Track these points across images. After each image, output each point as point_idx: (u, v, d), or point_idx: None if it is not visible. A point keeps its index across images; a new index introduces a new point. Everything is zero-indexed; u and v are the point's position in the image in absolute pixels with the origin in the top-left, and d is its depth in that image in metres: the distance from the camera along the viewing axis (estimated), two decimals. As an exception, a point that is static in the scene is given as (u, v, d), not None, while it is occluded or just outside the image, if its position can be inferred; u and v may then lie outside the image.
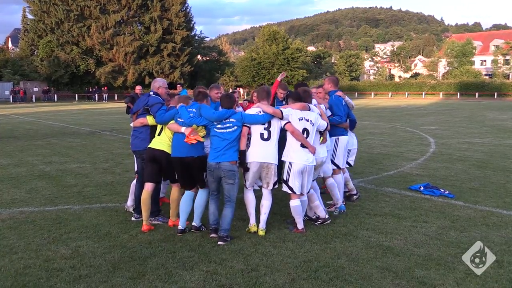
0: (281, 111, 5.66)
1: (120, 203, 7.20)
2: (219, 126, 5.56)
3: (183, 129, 5.64)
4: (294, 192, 5.72)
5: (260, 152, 5.66)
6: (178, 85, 15.70)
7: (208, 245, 5.32)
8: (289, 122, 5.68)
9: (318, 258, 4.91)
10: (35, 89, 59.43)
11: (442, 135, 16.43)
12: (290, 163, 5.71)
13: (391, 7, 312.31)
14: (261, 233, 5.68)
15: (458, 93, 63.94)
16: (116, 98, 62.65)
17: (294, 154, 5.70)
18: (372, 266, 4.68)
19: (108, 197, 7.63)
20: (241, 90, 64.46)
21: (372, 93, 71.99)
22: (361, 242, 5.38)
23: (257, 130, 5.69)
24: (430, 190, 7.70)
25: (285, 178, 5.75)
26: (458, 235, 5.63)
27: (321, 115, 6.01)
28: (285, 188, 5.78)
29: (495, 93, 61.59)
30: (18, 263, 4.82)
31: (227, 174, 5.51)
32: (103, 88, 64.12)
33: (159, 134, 6.04)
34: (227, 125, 5.56)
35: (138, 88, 14.00)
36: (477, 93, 62.50)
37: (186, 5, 70.37)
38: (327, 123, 6.07)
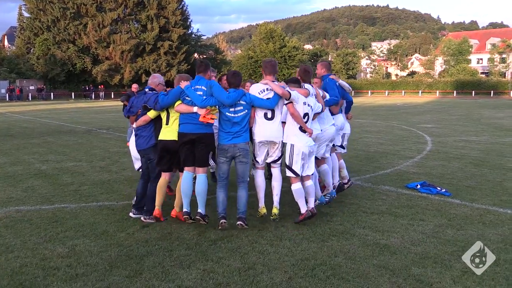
0: (289, 92, 5.75)
1: (117, 202, 7.19)
2: (231, 109, 5.65)
3: (195, 109, 5.61)
4: (298, 175, 5.89)
5: (266, 131, 5.87)
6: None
7: (205, 243, 5.31)
8: (290, 102, 5.78)
9: (315, 256, 4.91)
10: (31, 87, 59.28)
11: (439, 133, 16.46)
12: (292, 146, 5.87)
13: (388, 5, 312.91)
14: (275, 210, 5.92)
15: (455, 92, 64.11)
16: (112, 96, 62.56)
17: (295, 137, 5.86)
18: (369, 264, 4.68)
19: (105, 196, 7.61)
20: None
21: (369, 91, 72.09)
22: (358, 240, 5.38)
23: (261, 110, 5.86)
24: (426, 188, 7.71)
25: (288, 162, 5.90)
26: (455, 233, 5.64)
27: (316, 97, 6.21)
28: (288, 173, 5.93)
29: (492, 91, 61.79)
30: (15, 262, 4.80)
31: (242, 153, 5.72)
32: (99, 86, 64.02)
33: (167, 124, 5.92)
34: (238, 108, 5.66)
35: (134, 87, 13.96)
36: (473, 92, 62.66)
37: (183, 3, 70.19)
38: (323, 106, 6.27)
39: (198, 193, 5.77)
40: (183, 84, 5.72)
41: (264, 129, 5.86)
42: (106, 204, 7.10)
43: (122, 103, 13.77)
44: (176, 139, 5.79)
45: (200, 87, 5.66)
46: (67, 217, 6.37)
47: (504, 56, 77.71)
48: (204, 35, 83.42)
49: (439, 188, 7.72)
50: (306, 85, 6.19)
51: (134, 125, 6.36)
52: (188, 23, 72.24)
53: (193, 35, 75.56)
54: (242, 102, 5.64)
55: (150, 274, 4.47)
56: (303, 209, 5.89)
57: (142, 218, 6.13)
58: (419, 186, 7.85)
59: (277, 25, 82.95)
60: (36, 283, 4.29)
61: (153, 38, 65.54)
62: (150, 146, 6.12)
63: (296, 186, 5.92)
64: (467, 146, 13.10)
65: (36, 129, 19.40)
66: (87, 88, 64.06)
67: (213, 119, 5.61)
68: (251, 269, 4.58)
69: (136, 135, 6.38)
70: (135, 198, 6.48)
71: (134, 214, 6.28)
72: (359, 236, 5.53)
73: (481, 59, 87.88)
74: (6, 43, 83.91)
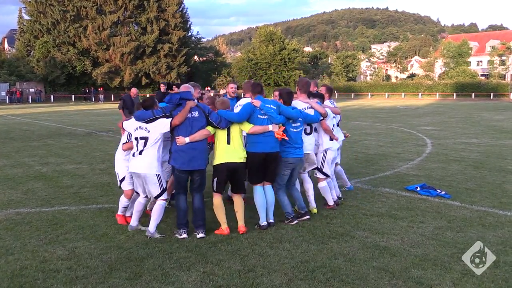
0: (325, 111, 6.56)
1: (116, 204, 7.17)
2: (293, 125, 6.08)
3: (270, 127, 5.82)
4: (328, 176, 6.82)
5: (306, 144, 6.40)
6: (175, 86, 15.70)
7: (205, 246, 5.31)
8: (323, 119, 6.58)
9: (315, 258, 4.91)
10: (32, 90, 59.23)
11: (439, 136, 16.47)
12: (325, 151, 6.77)
13: (387, 7, 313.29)
14: (314, 211, 6.53)
15: (455, 94, 64.11)
16: (112, 99, 62.56)
17: (327, 145, 6.79)
18: (369, 267, 4.69)
19: (105, 198, 7.62)
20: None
21: (369, 93, 72.10)
22: (358, 243, 5.39)
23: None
24: (426, 191, 7.72)
25: (320, 166, 6.77)
26: (455, 235, 5.65)
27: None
28: (319, 175, 6.79)
29: (491, 94, 61.77)
30: (15, 264, 4.81)
31: (301, 164, 6.34)
32: (99, 89, 64.01)
33: (228, 143, 5.71)
34: (297, 124, 6.15)
35: (133, 91, 13.95)
36: (473, 94, 62.68)
37: (183, 5, 70.35)
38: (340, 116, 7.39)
39: (271, 203, 6.05)
40: (257, 102, 5.80)
41: (305, 141, 6.38)
42: (106, 206, 7.11)
43: (118, 108, 13.77)
44: (242, 160, 5.80)
45: (270, 106, 5.87)
46: (67, 220, 6.38)
47: (503, 58, 77.69)
48: (204, 38, 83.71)
49: (438, 190, 7.73)
50: (328, 101, 7.15)
51: (187, 140, 5.51)
52: (188, 25, 72.40)
53: (193, 38, 75.69)
54: (299, 118, 6.15)
55: (150, 277, 4.47)
56: (330, 202, 6.83)
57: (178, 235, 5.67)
58: (419, 188, 7.85)
59: (276, 27, 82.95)
60: (36, 286, 4.30)
61: (153, 40, 65.62)
62: (206, 166, 5.77)
63: (322, 184, 6.78)
64: (467, 149, 13.11)
65: (36, 131, 19.41)
66: (87, 91, 64.07)
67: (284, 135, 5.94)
68: (251, 271, 4.59)
69: (178, 151, 5.57)
70: (134, 220, 5.93)
71: (183, 234, 5.63)
72: (359, 238, 5.53)
73: (481, 61, 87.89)
74: (6, 45, 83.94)
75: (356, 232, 5.77)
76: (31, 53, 65.80)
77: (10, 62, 62.83)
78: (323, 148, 6.77)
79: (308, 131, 6.48)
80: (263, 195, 5.96)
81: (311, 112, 6.38)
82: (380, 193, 7.84)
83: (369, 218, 6.36)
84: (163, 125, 5.53)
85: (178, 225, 5.70)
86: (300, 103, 6.42)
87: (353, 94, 72.53)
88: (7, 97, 55.51)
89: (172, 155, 5.66)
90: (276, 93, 6.34)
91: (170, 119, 5.51)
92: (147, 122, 5.55)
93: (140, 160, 5.53)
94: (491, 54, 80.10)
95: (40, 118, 28.07)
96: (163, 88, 14.93)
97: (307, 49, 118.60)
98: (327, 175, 6.79)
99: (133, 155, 5.64)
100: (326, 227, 5.95)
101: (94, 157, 12.01)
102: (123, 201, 6.22)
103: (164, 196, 5.69)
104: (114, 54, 64.93)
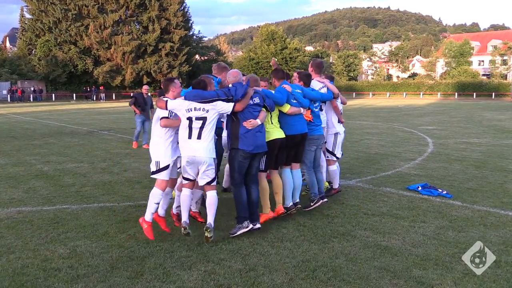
0: (338, 91, 7.08)
1: (118, 203, 7.20)
2: (315, 104, 6.61)
3: (302, 110, 6.27)
4: (338, 158, 7.31)
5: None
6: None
7: (206, 244, 5.31)
8: (334, 99, 7.09)
9: (316, 258, 4.91)
10: (32, 89, 59.27)
11: (440, 135, 16.46)
12: (336, 134, 7.26)
13: (389, 7, 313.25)
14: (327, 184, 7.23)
15: (456, 93, 64.10)
16: (114, 98, 62.60)
17: (338, 127, 7.28)
18: (370, 266, 4.68)
19: (106, 197, 7.62)
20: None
21: (370, 93, 72.09)
22: (359, 242, 5.39)
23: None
24: (428, 190, 7.71)
25: (330, 148, 7.25)
26: (456, 235, 5.64)
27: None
28: (330, 157, 7.28)
29: (493, 93, 61.78)
30: (16, 262, 4.81)
31: (322, 140, 6.83)
32: (100, 88, 64.00)
33: (272, 123, 6.06)
34: (316, 103, 6.68)
35: (145, 88, 14.05)
36: (474, 93, 62.67)
37: (184, 4, 70.25)
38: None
39: (299, 185, 6.43)
40: (288, 88, 6.18)
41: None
42: (107, 205, 7.11)
43: (129, 104, 13.86)
44: (283, 136, 6.10)
45: (298, 90, 6.34)
46: (68, 218, 6.38)
47: (505, 58, 77.58)
48: (205, 37, 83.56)
49: (440, 190, 7.72)
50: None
51: (259, 121, 5.62)
52: (190, 24, 72.30)
53: (194, 37, 75.60)
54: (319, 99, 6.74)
55: (151, 276, 4.47)
56: (336, 185, 7.33)
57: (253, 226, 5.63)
58: (420, 188, 7.84)
59: (278, 26, 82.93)
60: (37, 284, 4.30)
61: (154, 39, 65.59)
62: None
63: (334, 167, 7.27)
64: (469, 148, 13.09)
65: (37, 130, 19.42)
66: (88, 90, 64.09)
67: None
68: (252, 270, 4.59)
69: (246, 135, 5.56)
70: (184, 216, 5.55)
71: (254, 225, 5.60)
72: (360, 238, 5.53)
73: (483, 61, 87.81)
74: (7, 44, 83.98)
75: (358, 232, 5.76)
76: (33, 51, 65.84)
77: (11, 60, 62.85)
78: (334, 131, 7.27)
79: (316, 110, 6.86)
80: (291, 177, 6.32)
81: (324, 91, 6.90)
82: (382, 192, 7.84)
83: (370, 218, 6.36)
84: (225, 107, 5.43)
85: (242, 218, 5.55)
86: (316, 83, 6.89)
87: (354, 93, 72.48)
88: (9, 95, 55.59)
89: (240, 140, 5.54)
90: (296, 74, 6.78)
91: (232, 103, 5.45)
92: (205, 102, 5.38)
93: (200, 144, 5.32)
94: (493, 54, 79.99)
95: (41, 116, 28.10)
96: None
97: (309, 48, 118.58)
98: (337, 158, 7.35)
99: (189, 138, 5.33)
100: (328, 227, 5.95)
101: (95, 156, 12.02)
102: (157, 195, 5.49)
103: (215, 183, 5.60)
104: (116, 53, 64.92)
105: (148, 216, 5.48)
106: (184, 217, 5.48)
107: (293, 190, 6.34)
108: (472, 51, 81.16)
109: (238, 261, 4.84)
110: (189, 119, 5.33)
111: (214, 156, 5.53)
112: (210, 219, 5.34)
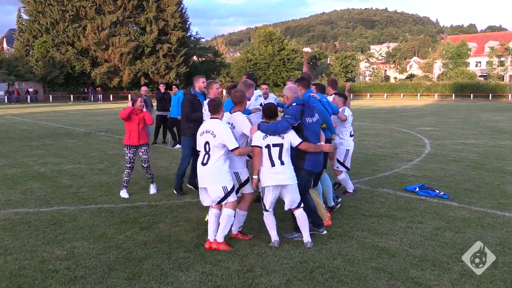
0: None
1: (115, 204, 7.19)
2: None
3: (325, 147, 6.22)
4: (348, 169, 7.66)
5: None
6: (174, 86, 15.71)
7: (203, 246, 5.30)
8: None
9: (313, 259, 4.91)
10: (30, 90, 59.13)
11: (437, 136, 16.49)
12: (348, 150, 7.52)
13: (386, 8, 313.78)
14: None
15: (453, 94, 64.27)
16: (111, 99, 62.51)
17: (350, 142, 7.58)
18: (368, 267, 4.69)
19: (104, 198, 7.61)
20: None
21: (368, 94, 72.20)
22: (356, 243, 5.39)
23: None
24: (425, 191, 7.73)
25: (342, 160, 7.52)
26: (453, 236, 5.65)
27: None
28: (341, 168, 7.56)
29: (490, 95, 61.97)
30: (13, 264, 4.80)
31: None
32: (97, 89, 63.88)
33: None
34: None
35: (144, 90, 14.04)
36: (472, 95, 62.83)
37: (182, 5, 70.26)
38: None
39: (330, 189, 6.76)
40: (316, 95, 6.37)
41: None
42: (105, 206, 7.10)
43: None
44: None
45: (324, 99, 6.71)
46: (65, 220, 6.37)
47: (502, 59, 77.91)
48: (203, 38, 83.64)
49: (437, 191, 7.73)
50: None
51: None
52: (187, 25, 72.30)
53: (192, 38, 75.56)
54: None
55: (149, 277, 4.47)
56: (350, 190, 7.69)
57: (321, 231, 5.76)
58: (417, 189, 7.86)
59: (276, 28, 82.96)
60: (34, 286, 4.29)
61: (152, 40, 65.58)
62: None
63: (342, 176, 7.60)
64: (466, 149, 13.12)
65: (34, 131, 19.38)
66: (86, 91, 63.99)
67: None
68: (250, 271, 4.59)
69: (312, 155, 5.61)
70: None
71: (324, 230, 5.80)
72: (357, 239, 5.54)
73: (480, 62, 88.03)
74: (5, 45, 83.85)
75: (355, 233, 5.77)
76: (30, 53, 65.72)
77: (9, 61, 62.77)
78: (346, 147, 7.52)
79: None
80: (329, 179, 6.76)
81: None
82: (379, 193, 7.85)
83: (368, 219, 6.36)
84: (294, 137, 5.42)
85: (319, 225, 5.72)
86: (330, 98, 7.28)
87: (352, 94, 72.51)
88: (6, 96, 55.44)
89: (307, 160, 5.55)
90: (264, 86, 7.74)
91: (300, 139, 5.42)
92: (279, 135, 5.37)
93: (285, 170, 5.30)
94: (490, 55, 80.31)
95: (39, 118, 28.04)
96: (162, 88, 15.02)
97: (306, 49, 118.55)
98: (348, 169, 7.67)
99: (272, 166, 5.28)
100: (325, 227, 5.95)
101: (93, 157, 12.00)
102: (231, 215, 5.32)
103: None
104: (113, 54, 64.87)
105: (221, 238, 5.28)
106: (274, 236, 5.41)
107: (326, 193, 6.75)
108: (469, 52, 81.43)
109: (235, 262, 4.84)
110: (267, 146, 5.31)
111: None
112: (306, 236, 5.36)
